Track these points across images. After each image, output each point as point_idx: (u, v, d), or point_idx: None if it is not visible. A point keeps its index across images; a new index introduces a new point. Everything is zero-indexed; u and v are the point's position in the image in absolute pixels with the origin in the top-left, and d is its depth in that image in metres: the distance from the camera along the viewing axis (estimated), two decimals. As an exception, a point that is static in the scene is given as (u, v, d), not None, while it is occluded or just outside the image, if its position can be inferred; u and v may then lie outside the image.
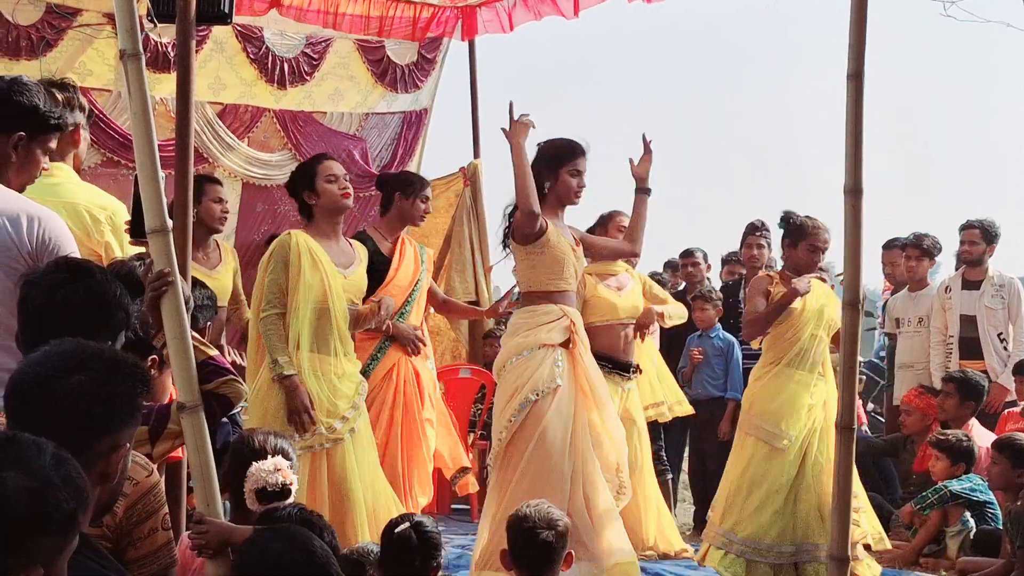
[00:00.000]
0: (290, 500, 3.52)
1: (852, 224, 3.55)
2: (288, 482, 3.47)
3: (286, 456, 3.59)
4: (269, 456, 3.51)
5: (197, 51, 8.05)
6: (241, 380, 3.21)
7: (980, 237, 7.75)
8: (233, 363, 5.33)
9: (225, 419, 4.69)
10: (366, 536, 5.01)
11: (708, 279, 8.75)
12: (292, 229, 5.42)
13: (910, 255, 8.02)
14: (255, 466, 3.43)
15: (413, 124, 9.06)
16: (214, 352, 3.19)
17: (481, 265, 8.57)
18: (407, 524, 3.73)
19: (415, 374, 5.97)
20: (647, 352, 7.27)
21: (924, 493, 6.80)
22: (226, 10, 4.51)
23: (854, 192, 3.53)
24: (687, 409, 7.54)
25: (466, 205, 8.64)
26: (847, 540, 3.57)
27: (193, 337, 3.14)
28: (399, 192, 6.10)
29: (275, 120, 8.51)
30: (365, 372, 5.70)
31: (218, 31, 8.02)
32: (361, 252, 5.57)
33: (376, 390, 5.83)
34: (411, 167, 8.93)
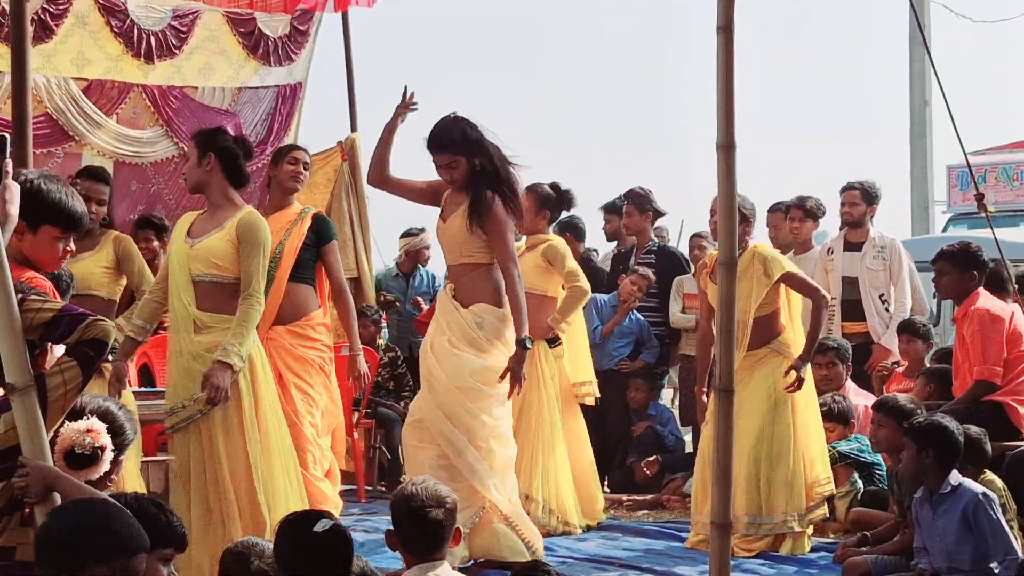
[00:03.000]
0: (106, 467, 3.28)
1: (726, 180, 3.47)
2: (99, 445, 3.24)
3: (107, 419, 3.34)
4: (87, 418, 3.28)
5: (57, 25, 7.79)
6: (104, 318, 3.10)
7: (860, 198, 7.78)
8: None
9: None
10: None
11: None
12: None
13: (794, 217, 8.02)
14: (67, 426, 3.20)
15: (288, 98, 8.92)
16: (59, 304, 3.09)
17: (362, 241, 8.44)
18: (329, 522, 3.37)
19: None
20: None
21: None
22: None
23: (726, 148, 3.46)
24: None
25: (345, 180, 8.51)
26: (728, 506, 3.50)
27: (33, 299, 3.02)
28: (271, 164, 6.32)
29: (144, 95, 8.28)
30: None
31: (79, 4, 7.81)
32: (234, 224, 5.17)
33: None
34: (287, 142, 8.73)
